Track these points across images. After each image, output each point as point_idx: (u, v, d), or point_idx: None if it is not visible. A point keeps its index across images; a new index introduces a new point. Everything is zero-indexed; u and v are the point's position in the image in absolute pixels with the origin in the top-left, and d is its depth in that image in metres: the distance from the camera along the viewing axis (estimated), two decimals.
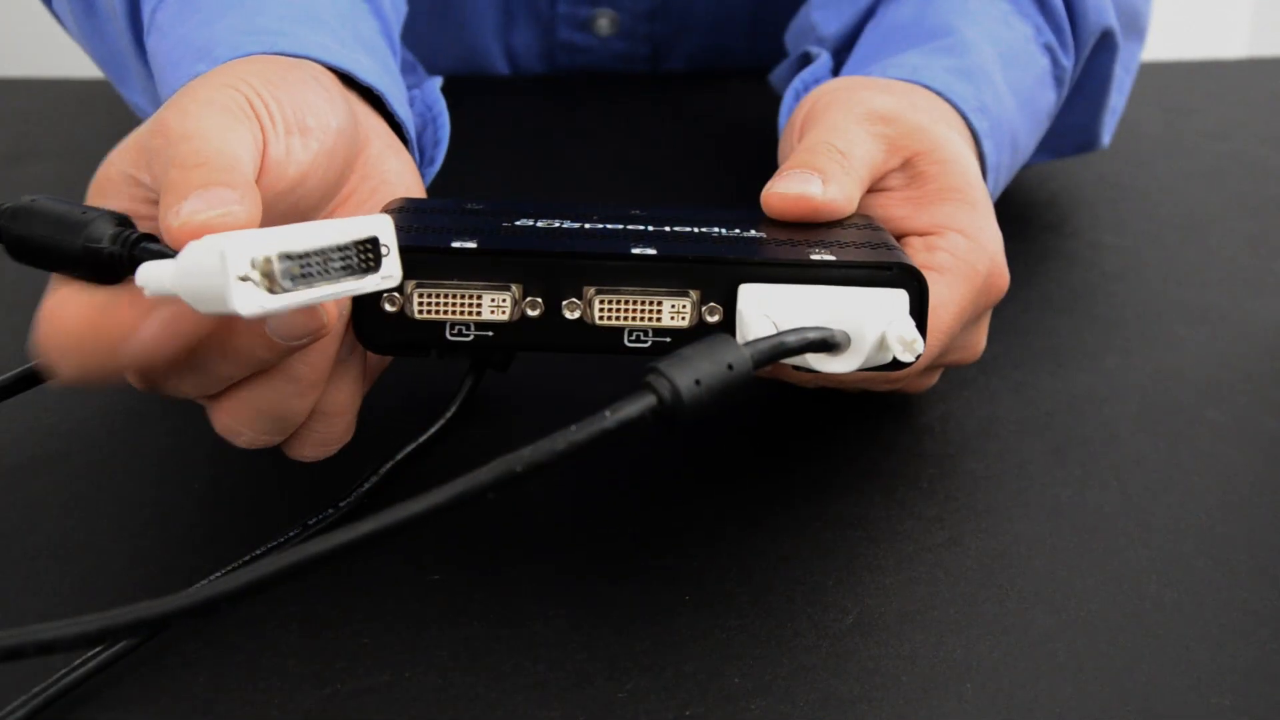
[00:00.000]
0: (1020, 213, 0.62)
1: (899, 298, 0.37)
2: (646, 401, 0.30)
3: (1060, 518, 0.42)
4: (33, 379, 0.39)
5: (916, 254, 0.43)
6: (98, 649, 0.35)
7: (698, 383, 0.30)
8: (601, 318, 0.37)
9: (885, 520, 0.42)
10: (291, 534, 0.40)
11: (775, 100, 0.67)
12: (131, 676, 0.36)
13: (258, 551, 0.39)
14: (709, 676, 0.36)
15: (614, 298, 0.37)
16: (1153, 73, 0.75)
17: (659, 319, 0.37)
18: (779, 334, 0.35)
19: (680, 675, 0.36)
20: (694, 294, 0.37)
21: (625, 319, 0.37)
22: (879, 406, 0.48)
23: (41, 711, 0.34)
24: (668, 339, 0.37)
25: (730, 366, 0.31)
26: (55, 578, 0.39)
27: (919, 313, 0.38)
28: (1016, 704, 0.35)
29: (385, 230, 0.33)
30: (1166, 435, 0.47)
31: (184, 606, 0.28)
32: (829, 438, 0.46)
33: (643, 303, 0.37)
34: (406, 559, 0.40)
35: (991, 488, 0.44)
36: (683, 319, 0.37)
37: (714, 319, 0.37)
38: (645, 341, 0.37)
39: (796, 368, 0.37)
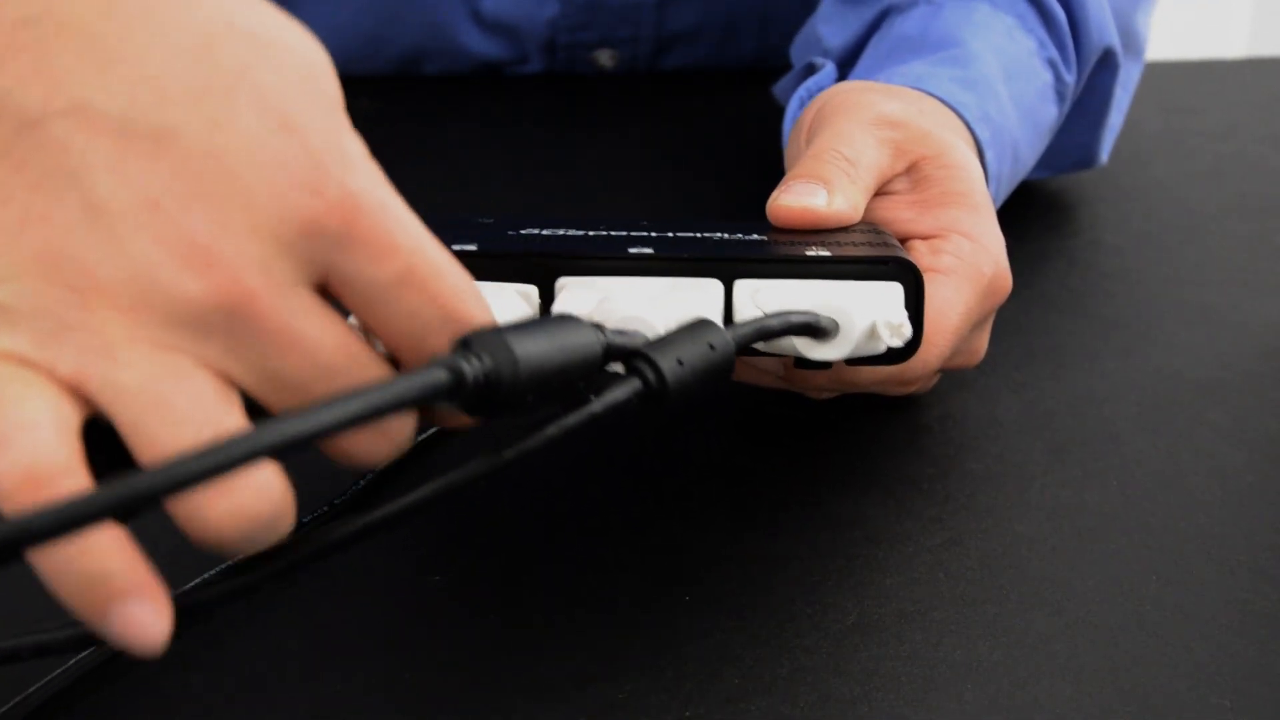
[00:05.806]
0: (1020, 212, 0.62)
1: (894, 291, 0.37)
2: (632, 385, 0.30)
3: (1060, 518, 0.42)
4: None
5: (921, 257, 0.43)
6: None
7: (680, 363, 0.30)
8: None
9: (885, 520, 0.42)
10: None
11: (775, 100, 0.68)
12: (131, 677, 0.35)
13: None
14: (709, 676, 0.36)
15: None
16: (1153, 73, 0.75)
17: None
18: (762, 317, 0.34)
19: (680, 675, 0.36)
20: None
21: None
22: (879, 406, 0.48)
23: (39, 712, 0.34)
24: None
25: (712, 346, 0.31)
26: None
27: (915, 308, 0.38)
28: (1016, 704, 0.35)
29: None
30: (1166, 435, 0.47)
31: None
32: (829, 437, 0.46)
33: None
34: (406, 560, 0.40)
35: (991, 488, 0.44)
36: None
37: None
38: None
39: (797, 364, 0.37)
